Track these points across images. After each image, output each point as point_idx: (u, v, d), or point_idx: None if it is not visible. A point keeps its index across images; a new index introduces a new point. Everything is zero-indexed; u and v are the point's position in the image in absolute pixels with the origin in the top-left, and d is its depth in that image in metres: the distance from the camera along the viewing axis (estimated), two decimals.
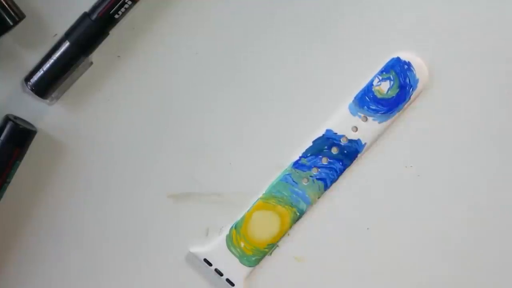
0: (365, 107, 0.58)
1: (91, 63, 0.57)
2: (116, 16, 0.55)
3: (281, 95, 0.59)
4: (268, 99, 0.59)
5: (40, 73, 0.56)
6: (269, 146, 0.59)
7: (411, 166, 0.59)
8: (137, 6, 0.56)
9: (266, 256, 0.59)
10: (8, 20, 0.54)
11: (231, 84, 0.59)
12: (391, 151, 0.59)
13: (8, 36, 0.56)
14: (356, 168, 0.59)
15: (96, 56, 0.57)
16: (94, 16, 0.55)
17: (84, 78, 0.57)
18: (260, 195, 0.59)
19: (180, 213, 0.59)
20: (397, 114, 0.58)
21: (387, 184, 0.59)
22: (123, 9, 0.55)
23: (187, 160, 0.59)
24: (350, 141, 0.59)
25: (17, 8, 0.55)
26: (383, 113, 0.58)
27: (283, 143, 0.59)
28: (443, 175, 0.59)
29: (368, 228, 0.59)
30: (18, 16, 0.55)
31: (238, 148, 0.59)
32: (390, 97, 0.58)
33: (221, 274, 0.59)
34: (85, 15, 0.55)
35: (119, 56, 0.58)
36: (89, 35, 0.55)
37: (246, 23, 0.58)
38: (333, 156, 0.59)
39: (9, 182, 0.57)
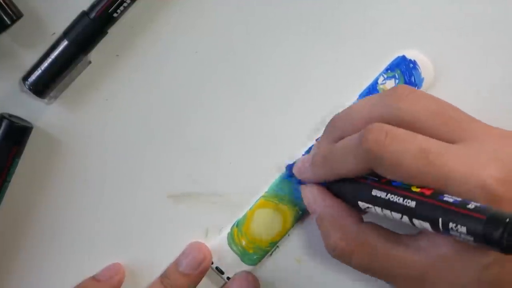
0: None
1: (90, 62, 0.57)
2: (115, 14, 0.55)
3: (283, 94, 0.58)
4: (269, 98, 0.58)
5: (38, 72, 0.55)
6: (270, 146, 0.58)
7: None
8: (136, 5, 0.56)
9: (267, 257, 0.59)
10: (6, 19, 0.54)
11: (232, 84, 0.58)
12: None
13: (5, 35, 0.55)
14: None
15: (95, 55, 0.56)
16: (92, 15, 0.55)
17: (82, 77, 0.57)
18: (263, 193, 0.58)
19: (179, 213, 0.59)
20: None
21: None
22: (121, 8, 0.55)
23: (187, 160, 0.58)
24: None
25: (15, 6, 0.54)
26: None
27: (284, 143, 0.58)
28: None
29: None
30: (16, 15, 0.54)
31: (238, 148, 0.58)
32: None
33: (222, 273, 0.59)
34: (84, 14, 0.55)
35: (117, 55, 0.57)
36: (87, 34, 0.55)
37: (247, 21, 0.57)
38: None
39: (9, 182, 0.56)
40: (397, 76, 0.57)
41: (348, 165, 0.50)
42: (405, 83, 0.57)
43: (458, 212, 0.43)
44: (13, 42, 0.56)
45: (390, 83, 0.57)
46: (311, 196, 0.54)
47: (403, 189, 0.47)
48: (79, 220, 0.59)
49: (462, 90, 0.58)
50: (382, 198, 0.48)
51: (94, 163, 0.58)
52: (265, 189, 0.58)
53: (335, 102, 0.58)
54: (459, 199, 0.44)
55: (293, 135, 0.58)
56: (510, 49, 0.57)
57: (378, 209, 0.48)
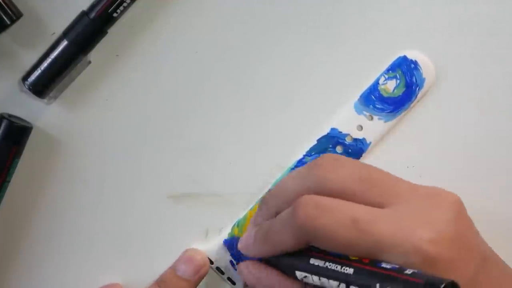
0: (371, 106, 0.58)
1: (89, 62, 0.57)
2: (115, 14, 0.55)
3: (284, 94, 0.58)
4: (269, 98, 0.58)
5: (37, 72, 0.55)
6: (270, 146, 0.58)
7: (413, 167, 0.59)
8: (136, 5, 0.56)
9: None
10: (5, 18, 0.54)
11: (232, 83, 0.58)
12: (396, 150, 0.59)
13: (5, 35, 0.55)
14: None
15: (95, 55, 0.56)
16: (92, 15, 0.55)
17: (82, 77, 0.57)
18: (263, 194, 0.58)
19: (179, 214, 0.59)
20: (403, 113, 0.58)
21: None
22: (121, 8, 0.55)
23: (187, 160, 0.58)
24: (355, 140, 0.58)
25: (15, 6, 0.54)
26: (389, 112, 0.58)
27: (285, 143, 0.58)
28: (445, 176, 0.58)
29: None
30: (16, 15, 0.54)
31: (238, 148, 0.58)
32: (396, 96, 0.58)
33: (222, 273, 0.59)
34: (83, 14, 0.55)
35: (117, 55, 0.57)
36: (87, 33, 0.55)
37: (247, 21, 0.57)
38: None
39: (9, 182, 0.56)
40: (398, 76, 0.57)
41: (287, 241, 0.50)
42: (406, 83, 0.57)
43: (396, 277, 0.43)
44: (13, 42, 0.56)
45: (392, 84, 0.57)
46: (247, 271, 0.54)
47: (341, 257, 0.47)
48: (79, 220, 0.59)
49: (463, 90, 0.58)
50: (320, 267, 0.48)
51: (94, 163, 0.58)
52: (265, 189, 0.58)
53: (337, 102, 0.58)
54: (396, 265, 0.44)
55: (293, 135, 0.58)
56: (510, 49, 0.57)
57: (316, 278, 0.48)
